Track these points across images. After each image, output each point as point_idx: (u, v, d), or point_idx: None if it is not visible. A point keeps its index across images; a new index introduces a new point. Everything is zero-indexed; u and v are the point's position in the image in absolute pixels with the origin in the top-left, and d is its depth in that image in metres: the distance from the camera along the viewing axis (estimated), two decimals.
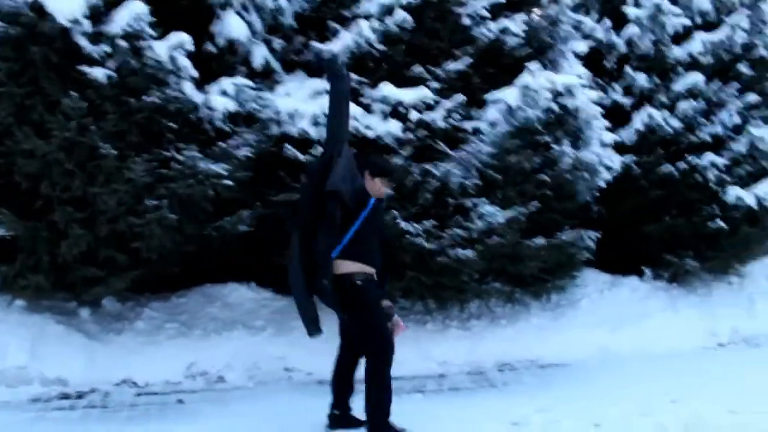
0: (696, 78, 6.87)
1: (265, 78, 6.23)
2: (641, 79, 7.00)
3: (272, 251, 6.13)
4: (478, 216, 5.70)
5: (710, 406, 4.52)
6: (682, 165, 6.91)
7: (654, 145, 6.96)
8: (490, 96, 5.82)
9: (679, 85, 6.94)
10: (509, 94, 5.74)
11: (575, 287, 7.35)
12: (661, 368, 5.97)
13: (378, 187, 3.99)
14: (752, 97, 7.18)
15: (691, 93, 6.97)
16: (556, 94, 5.91)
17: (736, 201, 6.76)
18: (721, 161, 6.94)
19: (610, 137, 6.71)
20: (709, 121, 7.01)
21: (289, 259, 3.86)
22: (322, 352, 4.65)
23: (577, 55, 7.10)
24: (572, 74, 6.41)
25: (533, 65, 5.71)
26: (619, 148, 7.06)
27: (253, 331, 6.16)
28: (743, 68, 7.23)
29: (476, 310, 6.74)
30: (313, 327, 3.79)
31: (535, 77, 5.69)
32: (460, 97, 5.72)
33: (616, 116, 7.13)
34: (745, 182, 6.99)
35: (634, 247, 7.40)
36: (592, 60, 7.35)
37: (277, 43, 6.33)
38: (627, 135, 7.02)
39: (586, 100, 6.02)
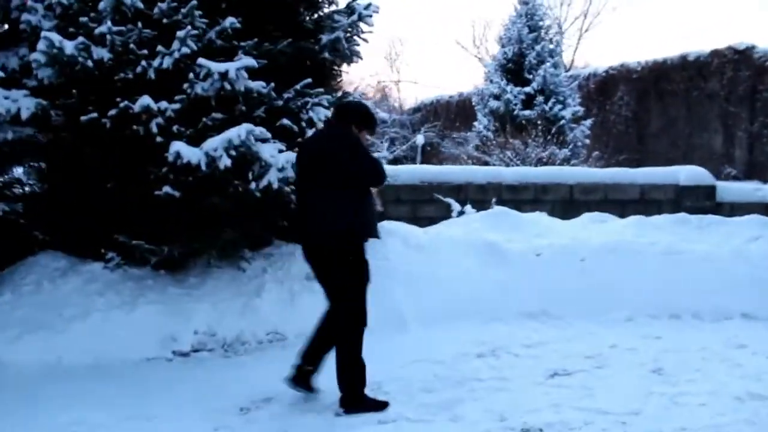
0: None
1: None
2: None
3: None
4: None
5: None
6: (114, 111, 4.99)
7: (77, 83, 5.03)
8: None
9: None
10: None
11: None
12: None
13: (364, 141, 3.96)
14: (230, 20, 5.31)
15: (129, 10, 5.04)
16: None
17: (175, 159, 4.90)
18: (169, 106, 5.07)
19: None
20: (155, 53, 5.09)
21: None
22: None
23: None
24: None
25: None
26: (40, 89, 5.15)
27: None
28: None
29: None
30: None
31: None
32: None
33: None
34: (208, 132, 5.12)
35: (94, 224, 5.52)
36: None
37: None
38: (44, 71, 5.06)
39: None
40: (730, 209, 7.73)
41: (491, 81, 15.65)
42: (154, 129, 5.05)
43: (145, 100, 4.96)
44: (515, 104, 14.77)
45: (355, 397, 3.88)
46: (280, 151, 5.27)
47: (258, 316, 5.57)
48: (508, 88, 14.95)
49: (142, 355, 5.11)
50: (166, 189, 5.06)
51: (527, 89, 14.89)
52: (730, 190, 7.92)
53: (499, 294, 6.20)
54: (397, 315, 5.77)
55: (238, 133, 4.91)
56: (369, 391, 4.04)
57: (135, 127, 5.06)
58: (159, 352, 5.19)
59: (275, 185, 5.11)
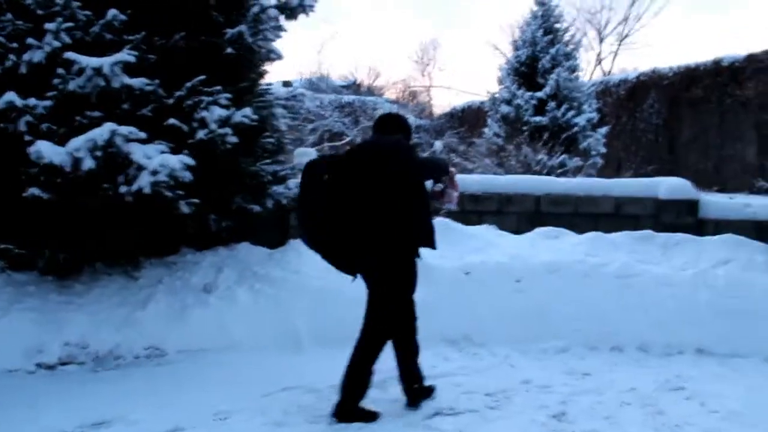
0: None
1: None
2: None
3: None
4: None
5: None
6: None
7: None
8: None
9: None
10: None
11: None
12: None
13: None
14: (113, 13, 4.94)
15: None
16: None
17: (38, 159, 4.57)
18: (39, 103, 4.74)
19: None
20: (27, 46, 4.77)
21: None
22: None
23: None
24: None
25: None
26: None
27: None
28: None
29: None
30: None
31: None
32: None
33: None
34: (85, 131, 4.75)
35: None
36: None
37: None
38: None
39: None
40: (714, 227, 6.87)
41: (504, 85, 14.89)
42: (22, 127, 4.72)
43: (9, 96, 4.65)
44: (526, 110, 13.95)
45: (350, 408, 3.88)
46: (163, 152, 4.87)
47: (139, 329, 5.18)
48: (519, 93, 14.15)
49: (2, 366, 4.79)
50: (33, 191, 4.73)
51: (539, 94, 14.05)
52: (716, 205, 7.05)
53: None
54: (293, 333, 5.29)
55: (101, 132, 4.53)
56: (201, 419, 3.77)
57: (2, 124, 4.75)
58: (22, 364, 4.85)
59: (146, 189, 4.70)
